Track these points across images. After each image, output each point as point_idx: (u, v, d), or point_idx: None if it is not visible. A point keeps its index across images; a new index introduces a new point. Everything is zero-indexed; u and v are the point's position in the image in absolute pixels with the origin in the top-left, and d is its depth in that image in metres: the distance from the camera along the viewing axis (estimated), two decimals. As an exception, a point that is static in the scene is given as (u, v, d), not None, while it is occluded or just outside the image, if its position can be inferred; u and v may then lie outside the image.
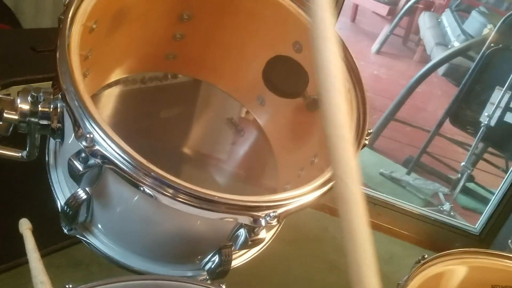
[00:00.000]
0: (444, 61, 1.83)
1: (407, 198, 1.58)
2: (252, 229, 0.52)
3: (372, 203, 1.48)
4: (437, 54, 1.88)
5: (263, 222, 0.49)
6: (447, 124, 1.72)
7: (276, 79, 0.63)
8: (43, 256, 1.09)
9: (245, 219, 0.49)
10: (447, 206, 1.60)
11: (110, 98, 0.80)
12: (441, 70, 1.93)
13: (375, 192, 1.50)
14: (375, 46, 2.46)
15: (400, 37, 2.59)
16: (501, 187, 1.41)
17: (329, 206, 1.48)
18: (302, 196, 0.51)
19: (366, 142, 0.58)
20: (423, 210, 1.50)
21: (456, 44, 1.86)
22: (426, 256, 0.65)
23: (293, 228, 1.36)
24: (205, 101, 0.85)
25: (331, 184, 0.53)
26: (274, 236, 0.71)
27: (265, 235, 0.53)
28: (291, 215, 0.53)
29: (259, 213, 0.49)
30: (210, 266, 0.58)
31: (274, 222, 0.49)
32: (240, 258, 0.65)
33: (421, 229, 1.47)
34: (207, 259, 0.58)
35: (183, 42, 0.69)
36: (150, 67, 0.73)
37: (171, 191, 0.46)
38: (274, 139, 0.74)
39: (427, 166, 1.75)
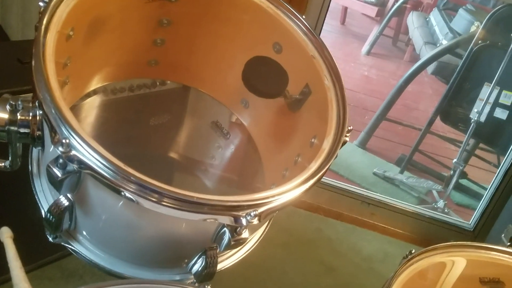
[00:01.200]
0: (433, 59, 1.84)
1: (401, 197, 1.59)
2: (234, 229, 0.52)
3: (366, 202, 1.48)
4: (426, 53, 1.89)
5: (244, 222, 0.49)
6: (439, 122, 1.73)
7: (255, 79, 0.63)
8: (35, 269, 1.08)
9: (226, 219, 0.49)
10: (441, 203, 1.60)
11: (98, 106, 0.81)
12: (431, 68, 1.95)
13: (369, 191, 1.51)
14: (365, 47, 2.48)
15: (390, 37, 2.61)
16: (493, 182, 1.41)
17: (323, 207, 1.48)
18: (282, 194, 0.51)
19: (347, 139, 0.58)
20: (417, 208, 1.50)
21: (444, 42, 1.88)
22: (414, 251, 0.65)
23: (287, 231, 1.36)
24: (192, 107, 0.86)
25: (312, 181, 0.53)
26: (262, 237, 0.71)
27: (248, 235, 0.53)
28: (273, 213, 0.53)
29: (240, 213, 0.49)
30: (197, 269, 0.58)
31: (255, 221, 0.50)
32: (228, 260, 0.65)
33: (415, 227, 1.48)
34: (193, 262, 0.58)
35: (164, 47, 0.69)
36: (133, 74, 0.73)
37: (151, 194, 0.46)
38: (259, 141, 0.75)
39: (420, 164, 1.75)
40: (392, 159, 1.79)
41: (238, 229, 0.52)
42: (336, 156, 0.57)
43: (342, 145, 0.58)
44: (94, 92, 0.76)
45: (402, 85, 1.80)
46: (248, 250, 0.66)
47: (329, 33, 2.64)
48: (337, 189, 1.48)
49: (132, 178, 0.46)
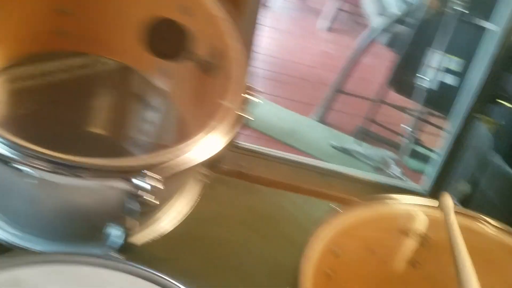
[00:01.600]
0: (384, 30, 1.85)
1: (359, 168, 1.60)
2: (138, 196, 0.51)
3: (322, 174, 1.49)
4: (378, 24, 1.90)
5: (144, 185, 0.48)
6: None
7: (156, 42, 0.62)
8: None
9: (121, 184, 0.48)
10: (397, 171, 1.62)
11: (27, 89, 0.78)
12: (385, 40, 1.95)
13: (326, 163, 1.51)
14: (325, 23, 2.47)
15: (350, 13, 2.61)
16: (444, 147, 1.44)
17: (282, 182, 1.48)
18: (182, 155, 0.50)
19: (254, 98, 0.58)
20: (374, 176, 1.52)
21: (396, 12, 1.88)
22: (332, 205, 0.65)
23: (247, 208, 1.36)
24: (117, 81, 0.83)
25: (217, 140, 0.53)
26: (193, 208, 0.69)
27: (156, 201, 0.52)
28: (176, 175, 0.52)
29: (135, 175, 0.48)
30: (112, 241, 0.57)
31: (156, 183, 0.49)
32: (153, 231, 0.64)
33: (373, 195, 1.49)
34: (107, 233, 0.57)
35: (70, 17, 0.67)
36: (40, 46, 0.70)
37: (34, 161, 0.45)
38: (182, 108, 0.73)
39: (376, 134, 1.77)
40: (351, 132, 1.81)
41: (142, 195, 0.51)
42: (245, 116, 0.56)
43: (250, 105, 0.57)
44: (30, 75, 0.73)
45: (355, 56, 1.81)
46: (180, 219, 0.65)
47: (288, 10, 2.63)
48: (295, 163, 1.48)
49: (17, 146, 0.44)
